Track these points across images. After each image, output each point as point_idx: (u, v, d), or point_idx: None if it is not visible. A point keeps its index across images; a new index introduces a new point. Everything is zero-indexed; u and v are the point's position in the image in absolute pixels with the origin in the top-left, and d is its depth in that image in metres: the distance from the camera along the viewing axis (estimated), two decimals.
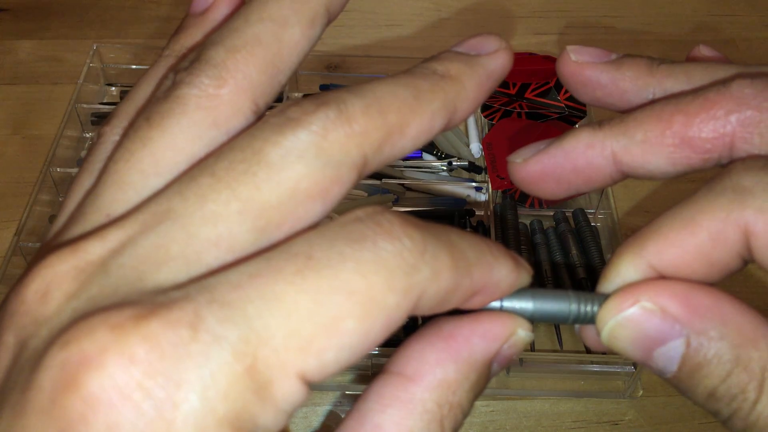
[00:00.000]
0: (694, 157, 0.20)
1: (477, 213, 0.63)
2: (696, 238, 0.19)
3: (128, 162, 0.18)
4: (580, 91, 0.23)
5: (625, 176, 0.21)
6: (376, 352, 0.52)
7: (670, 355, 0.19)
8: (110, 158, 0.19)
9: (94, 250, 0.17)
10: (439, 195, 0.64)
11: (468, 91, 0.20)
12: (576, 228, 0.62)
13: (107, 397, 0.14)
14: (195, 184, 0.17)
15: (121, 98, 0.70)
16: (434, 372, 0.18)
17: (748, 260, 0.19)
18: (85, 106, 0.67)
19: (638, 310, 0.19)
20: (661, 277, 0.20)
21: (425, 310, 0.17)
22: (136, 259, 0.16)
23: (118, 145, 0.19)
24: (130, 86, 0.77)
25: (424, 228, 0.17)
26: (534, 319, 0.20)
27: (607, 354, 0.53)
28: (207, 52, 0.19)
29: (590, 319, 0.20)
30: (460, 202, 0.63)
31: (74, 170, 0.63)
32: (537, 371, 0.55)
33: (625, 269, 0.20)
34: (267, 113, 0.19)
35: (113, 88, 0.71)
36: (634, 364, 0.53)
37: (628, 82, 0.22)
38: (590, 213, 0.63)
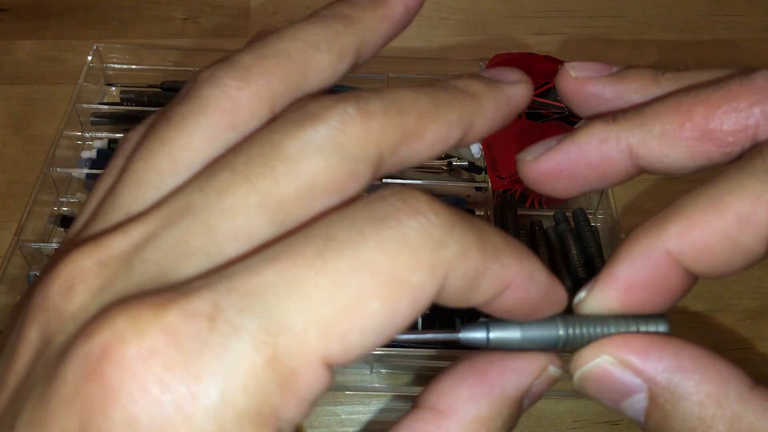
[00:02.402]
0: (714, 150, 0.19)
1: (477, 213, 0.63)
2: (723, 220, 0.18)
3: (147, 162, 0.18)
4: (583, 107, 0.23)
5: (641, 171, 0.21)
6: (379, 351, 0.52)
7: (634, 408, 0.19)
8: (130, 158, 0.19)
9: (117, 244, 0.17)
10: (439, 195, 0.64)
11: (486, 110, 0.20)
12: (576, 228, 0.62)
13: (127, 390, 0.14)
14: (214, 179, 0.17)
15: (121, 98, 0.70)
16: (467, 408, 0.18)
17: None
18: (85, 106, 0.66)
19: (600, 363, 0.19)
20: (634, 333, 0.19)
21: (453, 293, 0.17)
22: (158, 254, 0.16)
23: (138, 145, 0.19)
24: (131, 86, 0.77)
25: (451, 207, 0.17)
26: (523, 348, 0.19)
27: None
28: (235, 56, 0.19)
29: (581, 343, 0.20)
30: (460, 202, 0.63)
31: (74, 170, 0.63)
32: None
33: (638, 252, 0.19)
34: (285, 109, 0.19)
35: (113, 88, 0.71)
36: None
37: (634, 94, 0.22)
38: (590, 213, 0.63)
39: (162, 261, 0.16)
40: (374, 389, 0.55)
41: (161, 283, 0.16)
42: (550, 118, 0.66)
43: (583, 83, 0.22)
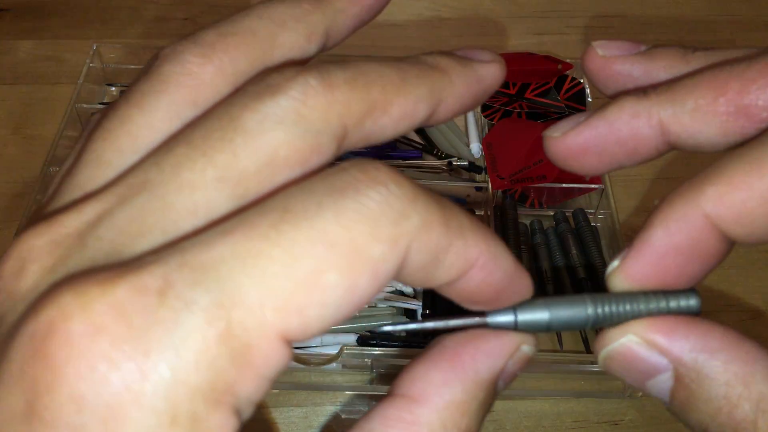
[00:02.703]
0: (748, 126, 0.19)
1: (477, 213, 0.63)
2: (764, 182, 0.17)
3: (106, 140, 0.18)
4: (610, 86, 0.22)
5: (671, 148, 0.20)
6: (379, 352, 0.52)
7: (660, 388, 0.19)
8: (88, 137, 0.19)
9: (71, 222, 0.16)
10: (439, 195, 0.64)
11: (455, 87, 0.19)
12: (576, 228, 0.62)
13: (73, 367, 0.14)
14: (171, 154, 0.17)
15: None
16: (441, 393, 0.18)
17: None
18: (85, 106, 0.66)
19: (625, 343, 0.19)
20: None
21: (415, 269, 0.16)
22: (113, 232, 0.16)
23: (97, 124, 0.19)
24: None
25: (414, 180, 0.16)
26: (551, 329, 0.19)
27: None
28: (198, 33, 0.19)
29: (612, 321, 0.19)
30: (460, 202, 0.63)
31: None
32: (537, 371, 0.55)
33: (674, 216, 0.18)
34: (246, 82, 0.18)
35: (113, 88, 0.71)
36: None
37: (663, 72, 0.21)
38: (590, 213, 0.63)
39: (116, 238, 0.16)
40: (374, 389, 0.55)
41: (115, 260, 0.15)
42: (550, 118, 0.66)
43: (611, 62, 0.22)
